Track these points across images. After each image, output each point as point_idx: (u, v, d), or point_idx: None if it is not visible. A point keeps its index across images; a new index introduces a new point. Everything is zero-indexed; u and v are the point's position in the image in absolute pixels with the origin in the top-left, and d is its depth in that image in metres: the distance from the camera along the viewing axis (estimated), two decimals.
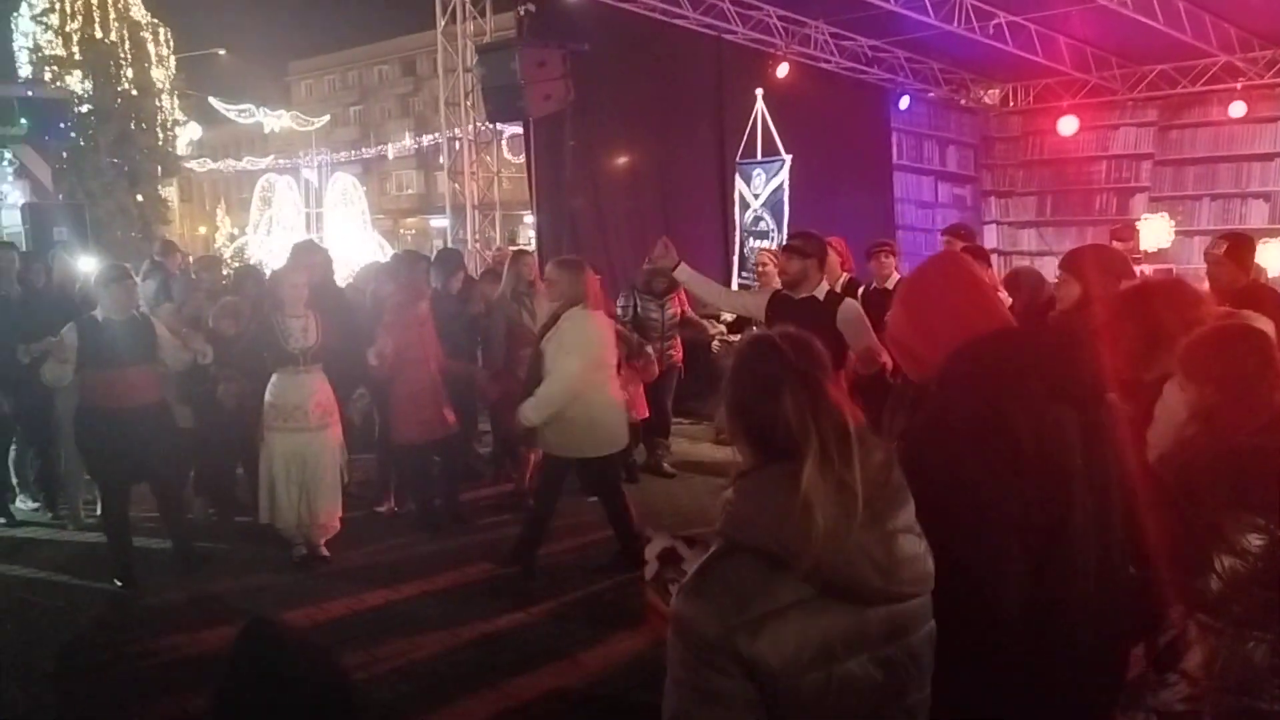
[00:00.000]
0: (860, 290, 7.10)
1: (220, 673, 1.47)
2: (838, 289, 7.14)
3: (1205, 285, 5.38)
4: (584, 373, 5.43)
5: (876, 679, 1.62)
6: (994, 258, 14.23)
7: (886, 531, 1.62)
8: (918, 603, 1.69)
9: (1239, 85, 13.80)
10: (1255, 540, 2.18)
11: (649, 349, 7.50)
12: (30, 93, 17.39)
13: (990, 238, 17.30)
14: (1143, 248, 14.82)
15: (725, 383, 1.79)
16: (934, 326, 2.26)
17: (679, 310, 8.25)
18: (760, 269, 7.89)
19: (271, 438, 5.90)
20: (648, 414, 7.76)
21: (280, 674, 1.44)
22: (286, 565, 6.04)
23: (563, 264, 5.78)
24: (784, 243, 5.36)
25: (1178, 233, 14.80)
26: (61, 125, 15.13)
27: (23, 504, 7.24)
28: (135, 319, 5.77)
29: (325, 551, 6.13)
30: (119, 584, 5.67)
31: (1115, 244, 15.15)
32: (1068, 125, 15.71)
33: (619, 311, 7.95)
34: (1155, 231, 14.74)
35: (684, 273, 5.86)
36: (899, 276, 6.93)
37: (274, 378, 5.94)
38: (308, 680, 1.46)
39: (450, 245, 12.77)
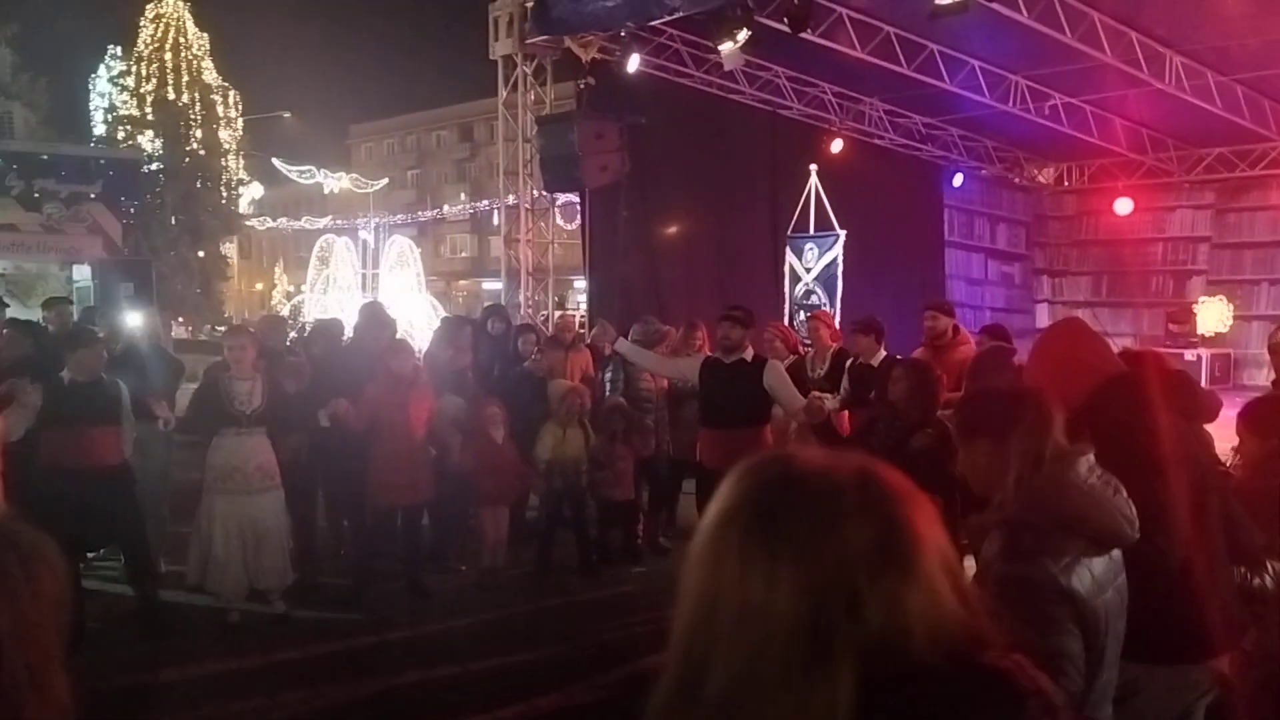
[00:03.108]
0: (849, 362, 7.08)
1: None
2: (826, 361, 7.25)
3: (1269, 373, 5.31)
4: None
5: (1118, 605, 2.27)
6: None
7: (1124, 498, 2.33)
8: (1119, 553, 2.35)
9: None
10: None
11: (648, 421, 7.38)
12: (106, 152, 18.03)
13: (1042, 317, 17.18)
14: (1200, 331, 14.65)
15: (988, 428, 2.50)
16: (1069, 373, 3.02)
17: (668, 380, 7.78)
18: (770, 343, 7.84)
19: (210, 499, 5.78)
20: (633, 495, 7.34)
21: None
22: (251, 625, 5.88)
23: None
24: (728, 313, 5.94)
25: (1236, 317, 14.60)
26: (133, 184, 15.59)
27: None
28: (101, 381, 5.69)
29: (283, 607, 5.96)
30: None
31: (1171, 327, 15.05)
32: (1123, 206, 15.66)
33: (607, 385, 7.68)
34: (1213, 315, 14.57)
35: (622, 345, 6.46)
36: (884, 353, 6.86)
37: (215, 439, 5.85)
38: None
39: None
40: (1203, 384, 12.44)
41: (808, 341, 8.11)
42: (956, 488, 2.72)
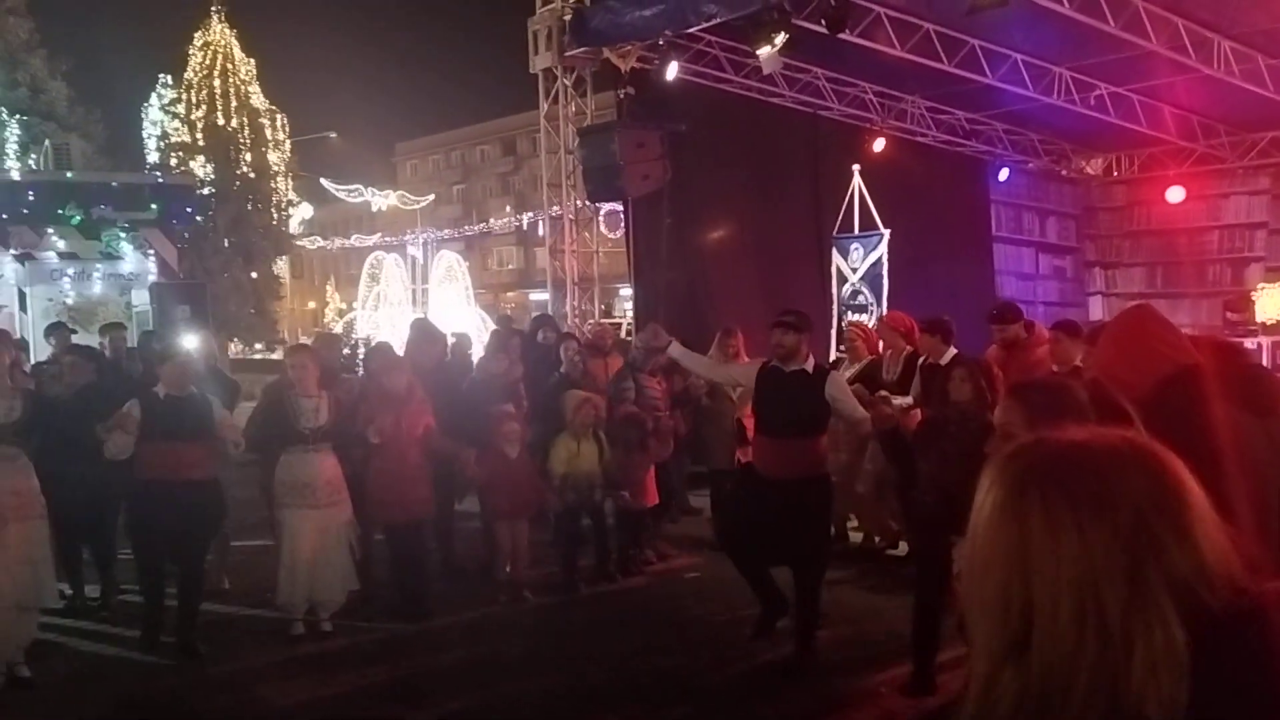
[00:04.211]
0: (920, 362, 7.04)
1: None
2: (899, 363, 7.28)
3: None
4: None
5: None
6: None
7: None
8: None
9: None
10: None
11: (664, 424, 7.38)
12: (159, 179, 18.48)
13: (1095, 309, 16.90)
14: (1260, 319, 14.32)
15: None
16: (1139, 362, 2.93)
17: (683, 384, 7.97)
18: (852, 342, 7.88)
19: (283, 515, 5.93)
20: (656, 500, 7.41)
21: None
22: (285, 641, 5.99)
23: None
24: (780, 319, 5.63)
25: None
26: (187, 209, 15.97)
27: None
28: (193, 396, 5.84)
29: (329, 626, 6.06)
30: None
31: (1229, 315, 14.71)
32: (1175, 195, 15.34)
33: (619, 393, 7.67)
34: (1273, 302, 14.22)
35: (676, 349, 6.24)
36: (954, 351, 6.73)
37: (283, 456, 5.96)
38: None
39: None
40: None
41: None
42: None
